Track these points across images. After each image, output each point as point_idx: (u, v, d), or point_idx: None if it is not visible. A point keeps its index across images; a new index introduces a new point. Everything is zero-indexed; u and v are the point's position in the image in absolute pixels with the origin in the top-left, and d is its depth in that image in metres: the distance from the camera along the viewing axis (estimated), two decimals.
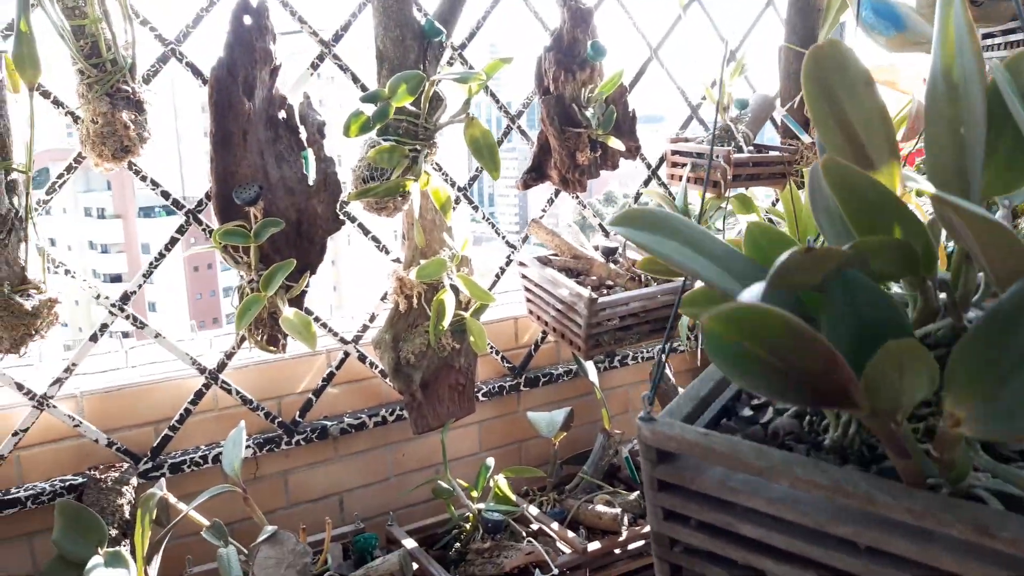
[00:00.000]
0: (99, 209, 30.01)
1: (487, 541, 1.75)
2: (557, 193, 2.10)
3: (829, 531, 0.51)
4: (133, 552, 1.42)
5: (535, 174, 1.96)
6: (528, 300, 1.99)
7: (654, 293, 1.85)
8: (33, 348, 1.41)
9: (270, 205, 1.57)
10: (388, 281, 1.81)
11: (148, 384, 1.75)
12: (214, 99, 1.52)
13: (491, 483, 1.87)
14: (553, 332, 1.93)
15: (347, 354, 1.91)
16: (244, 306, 1.54)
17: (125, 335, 1.69)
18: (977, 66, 0.52)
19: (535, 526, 1.85)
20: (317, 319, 1.78)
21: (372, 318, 1.93)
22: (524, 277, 1.97)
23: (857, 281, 0.51)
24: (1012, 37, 1.98)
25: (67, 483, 1.60)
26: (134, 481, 1.63)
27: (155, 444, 1.72)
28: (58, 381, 1.60)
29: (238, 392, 1.79)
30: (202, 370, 1.74)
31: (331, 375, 1.90)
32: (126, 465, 1.64)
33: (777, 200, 2.38)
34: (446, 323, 1.72)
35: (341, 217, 1.69)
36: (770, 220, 2.34)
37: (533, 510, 1.89)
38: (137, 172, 1.59)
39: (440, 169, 1.85)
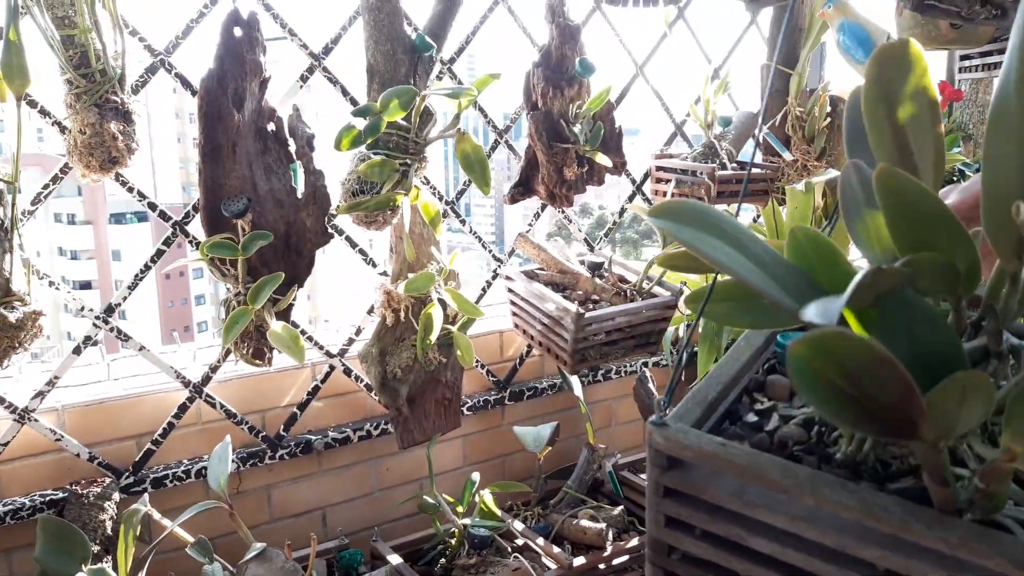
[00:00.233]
0: (69, 215, 29.57)
1: (473, 557, 1.75)
2: (543, 207, 2.11)
3: (852, 553, 0.50)
4: (116, 569, 1.40)
5: (522, 188, 1.97)
6: (514, 314, 2.00)
7: (639, 308, 1.86)
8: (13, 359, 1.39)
9: (258, 217, 1.57)
10: (375, 294, 1.80)
11: (131, 397, 1.73)
12: (204, 111, 1.51)
13: (476, 498, 1.86)
14: (539, 346, 1.93)
15: (333, 368, 1.90)
16: (232, 319, 1.53)
17: (93, 342, 1.67)
18: None
19: (520, 541, 1.85)
20: (303, 332, 1.77)
21: (358, 331, 1.93)
22: (510, 291, 1.97)
23: (913, 301, 0.50)
24: (989, 59, 2.04)
25: (48, 498, 1.57)
26: (116, 496, 1.60)
27: (137, 458, 1.70)
28: (40, 394, 1.57)
29: (222, 406, 1.77)
30: (186, 383, 1.73)
31: (316, 389, 1.89)
32: (108, 480, 1.62)
33: (758, 216, 2.41)
34: (434, 337, 1.72)
35: (330, 230, 1.69)
36: None
37: (518, 525, 1.89)
38: (124, 183, 1.58)
39: (428, 183, 1.85)
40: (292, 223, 1.62)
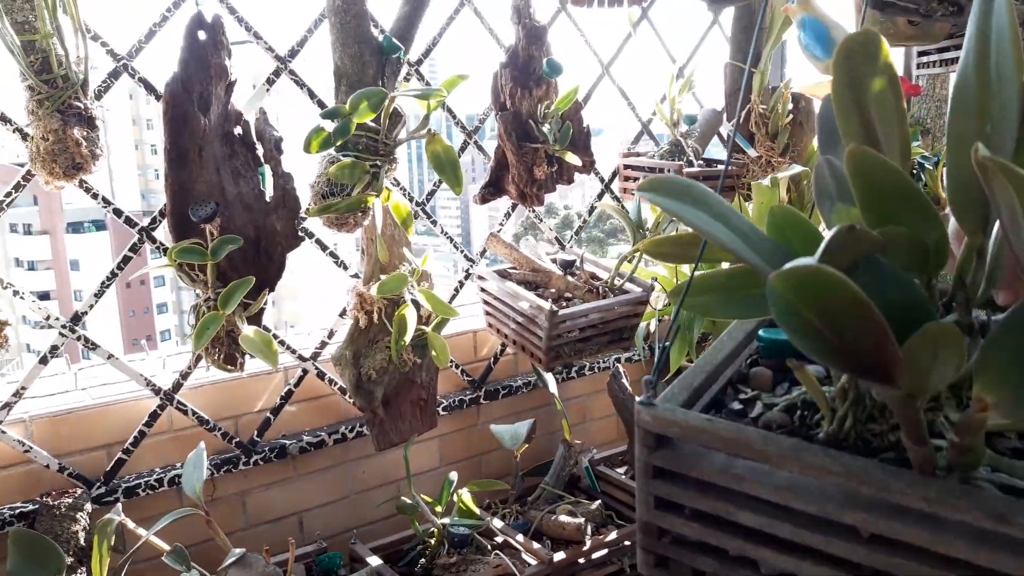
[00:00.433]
0: (25, 225, 28.89)
1: (453, 556, 1.75)
2: (514, 207, 2.12)
3: (836, 519, 0.51)
4: None
5: (493, 189, 1.98)
6: (487, 313, 2.00)
7: (611, 305, 1.88)
8: None
9: (227, 222, 1.55)
10: (348, 297, 1.80)
11: (100, 406, 1.70)
12: (169, 115, 1.49)
13: (455, 497, 1.87)
14: (513, 344, 1.94)
15: (306, 371, 1.89)
16: (202, 325, 1.52)
17: (54, 348, 1.64)
18: (1016, 65, 0.53)
19: (500, 539, 1.86)
20: (275, 336, 1.75)
21: (331, 334, 1.92)
22: (483, 291, 1.98)
23: (884, 266, 0.51)
24: (946, 55, 2.09)
25: (18, 510, 1.54)
26: (88, 507, 1.58)
27: (108, 468, 1.67)
28: (7, 406, 1.54)
29: (194, 412, 1.75)
30: (156, 391, 1.70)
31: (290, 393, 1.88)
32: (79, 490, 1.59)
33: None
34: (408, 338, 1.72)
35: (300, 233, 1.68)
36: None
37: (497, 523, 1.89)
38: (88, 189, 1.55)
39: (398, 184, 1.85)
40: (261, 227, 1.61)
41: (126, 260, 1.66)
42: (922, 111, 2.35)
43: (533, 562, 1.77)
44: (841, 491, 0.51)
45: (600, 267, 2.06)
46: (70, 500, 1.55)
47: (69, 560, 1.44)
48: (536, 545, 1.81)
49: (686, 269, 2.09)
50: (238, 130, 1.60)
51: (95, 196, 1.58)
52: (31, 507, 1.55)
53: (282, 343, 1.82)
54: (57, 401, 1.71)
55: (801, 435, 0.58)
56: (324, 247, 1.89)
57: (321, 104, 1.80)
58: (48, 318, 1.60)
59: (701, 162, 2.23)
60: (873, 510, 0.50)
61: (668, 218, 2.16)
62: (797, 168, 2.16)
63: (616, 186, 2.35)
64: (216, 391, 1.83)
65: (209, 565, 1.53)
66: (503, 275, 1.95)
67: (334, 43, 1.65)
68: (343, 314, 1.88)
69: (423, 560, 1.80)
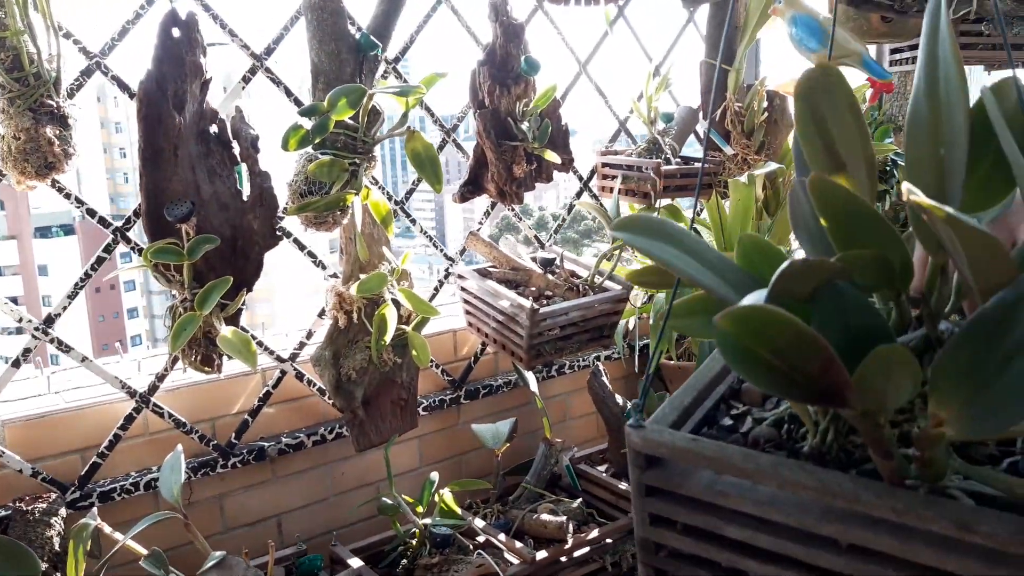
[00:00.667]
0: None
1: (435, 556, 1.74)
2: (493, 206, 2.12)
3: (814, 531, 0.53)
4: None
5: (472, 187, 1.97)
6: (467, 312, 2.00)
7: (592, 303, 1.88)
8: None
9: (203, 221, 1.53)
10: (327, 297, 1.78)
11: (73, 410, 1.67)
12: (143, 113, 1.47)
13: (436, 497, 1.86)
14: (493, 343, 1.94)
15: (284, 372, 1.87)
16: (179, 325, 1.50)
17: (27, 351, 1.61)
18: (961, 91, 0.55)
19: (482, 538, 1.85)
20: (253, 337, 1.73)
21: (309, 335, 1.90)
22: (463, 290, 1.97)
23: (846, 292, 0.54)
24: (918, 52, 2.11)
25: None
26: (63, 512, 1.55)
27: (83, 472, 1.64)
28: None
29: (171, 415, 1.72)
30: (132, 393, 1.68)
31: (268, 394, 1.86)
32: (54, 495, 1.56)
33: (702, 210, 2.46)
34: (388, 338, 1.71)
35: (278, 233, 1.66)
36: (695, 230, 2.42)
37: (479, 522, 1.89)
38: (60, 190, 1.53)
39: (377, 183, 1.84)
40: (238, 226, 1.59)
41: (100, 261, 1.63)
42: (894, 108, 2.38)
43: (515, 561, 1.76)
44: (818, 504, 0.53)
45: (580, 265, 2.06)
46: (44, 505, 1.52)
47: (44, 566, 1.41)
48: (518, 544, 1.80)
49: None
50: (214, 128, 1.58)
51: (68, 196, 1.55)
52: (4, 513, 1.51)
53: (260, 344, 1.80)
54: (30, 405, 1.68)
55: (788, 448, 0.61)
56: (302, 247, 1.87)
57: (298, 102, 1.79)
58: (21, 320, 1.57)
59: (679, 160, 2.24)
60: (848, 522, 0.52)
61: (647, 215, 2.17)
62: (773, 165, 2.18)
63: (595, 184, 2.36)
64: (193, 393, 1.80)
65: (188, 569, 1.51)
66: (483, 274, 1.94)
67: (311, 40, 1.64)
68: (322, 314, 1.86)
69: (405, 561, 1.79)
